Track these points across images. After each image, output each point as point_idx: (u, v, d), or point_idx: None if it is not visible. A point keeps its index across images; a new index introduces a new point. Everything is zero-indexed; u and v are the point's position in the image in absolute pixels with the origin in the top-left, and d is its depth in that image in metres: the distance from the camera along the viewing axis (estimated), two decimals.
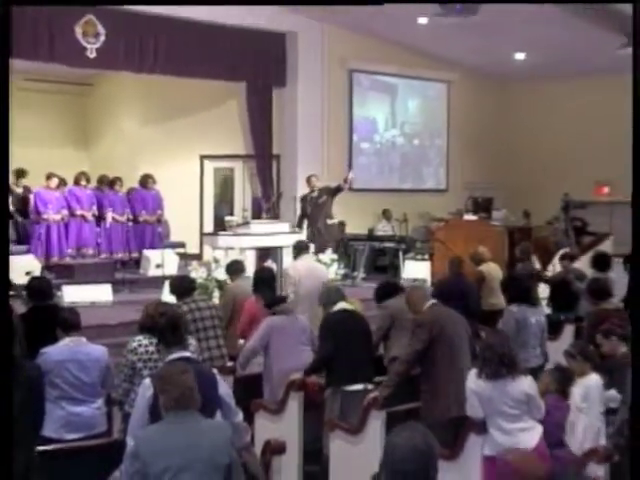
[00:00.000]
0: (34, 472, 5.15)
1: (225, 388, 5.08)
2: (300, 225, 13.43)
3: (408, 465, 3.01)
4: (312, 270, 9.88)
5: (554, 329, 8.72)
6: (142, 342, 5.77)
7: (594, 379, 5.83)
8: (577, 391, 5.78)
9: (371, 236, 15.37)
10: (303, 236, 12.66)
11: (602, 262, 10.01)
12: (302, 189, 14.38)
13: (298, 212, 13.83)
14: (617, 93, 16.79)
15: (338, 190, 13.58)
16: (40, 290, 7.08)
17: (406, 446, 3.09)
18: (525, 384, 5.52)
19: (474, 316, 8.78)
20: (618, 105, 16.82)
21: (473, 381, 5.61)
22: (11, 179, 13.94)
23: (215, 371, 5.21)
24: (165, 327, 5.06)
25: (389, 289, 8.16)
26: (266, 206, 14.58)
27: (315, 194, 13.57)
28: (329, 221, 13.64)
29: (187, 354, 5.05)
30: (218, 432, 4.13)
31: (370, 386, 6.90)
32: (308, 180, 13.74)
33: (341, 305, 7.30)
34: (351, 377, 6.91)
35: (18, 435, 5.10)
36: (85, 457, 5.41)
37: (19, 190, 13.91)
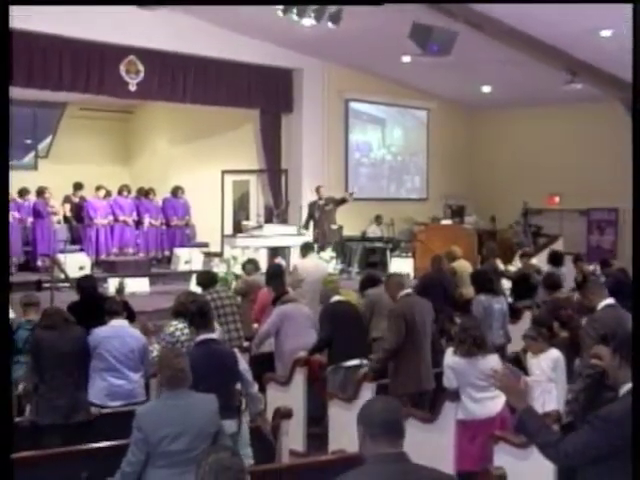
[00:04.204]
0: (80, 409, 5.49)
1: (244, 364, 5.06)
2: (307, 226, 13.32)
3: (385, 414, 2.90)
4: (316, 266, 9.90)
5: (515, 315, 8.71)
6: (178, 326, 5.78)
7: (557, 353, 5.80)
8: (545, 364, 5.73)
9: (364, 237, 15.34)
10: (309, 236, 12.64)
11: (557, 259, 10.10)
12: (307, 198, 14.33)
13: (305, 215, 13.71)
14: (564, 120, 16.83)
15: (343, 201, 13.59)
16: (87, 286, 7.14)
17: (380, 402, 3.06)
18: (493, 360, 5.51)
19: (451, 304, 8.79)
20: (566, 130, 16.86)
21: (450, 358, 5.61)
22: (70, 190, 14.05)
23: (236, 350, 5.19)
24: (195, 313, 5.05)
25: (370, 281, 8.15)
26: (276, 212, 14.58)
27: (322, 202, 13.51)
28: (333, 226, 13.60)
29: (213, 336, 5.03)
30: (207, 405, 4.08)
31: (365, 361, 6.89)
32: (317, 189, 13.70)
33: (335, 298, 7.29)
34: (348, 354, 6.89)
35: (60, 378, 5.45)
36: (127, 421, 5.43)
37: (76, 200, 13.96)
